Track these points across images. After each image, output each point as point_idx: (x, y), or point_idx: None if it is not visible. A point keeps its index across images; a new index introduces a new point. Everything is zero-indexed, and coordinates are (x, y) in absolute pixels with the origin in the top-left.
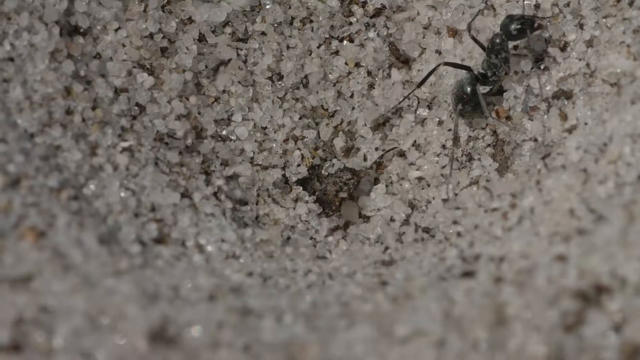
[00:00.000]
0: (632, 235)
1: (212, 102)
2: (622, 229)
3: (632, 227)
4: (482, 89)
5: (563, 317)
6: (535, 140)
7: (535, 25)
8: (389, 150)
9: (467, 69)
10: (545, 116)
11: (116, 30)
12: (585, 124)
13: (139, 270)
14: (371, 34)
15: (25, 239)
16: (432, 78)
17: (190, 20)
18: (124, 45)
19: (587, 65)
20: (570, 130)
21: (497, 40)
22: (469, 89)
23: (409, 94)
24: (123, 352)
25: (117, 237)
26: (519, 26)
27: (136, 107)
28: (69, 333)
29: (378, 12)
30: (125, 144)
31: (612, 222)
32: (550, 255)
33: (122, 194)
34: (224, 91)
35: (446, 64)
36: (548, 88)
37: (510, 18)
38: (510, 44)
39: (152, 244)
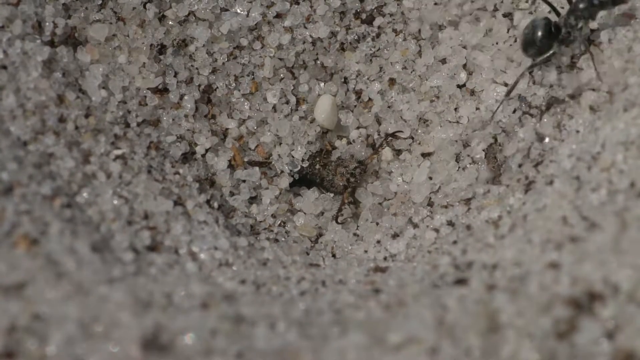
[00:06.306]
0: (625, 243)
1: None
2: (615, 236)
3: (624, 235)
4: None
5: (556, 324)
6: (528, 147)
7: None
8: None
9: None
10: (538, 124)
11: (114, 48)
12: (577, 131)
13: (132, 277)
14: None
15: (18, 247)
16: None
17: (189, 41)
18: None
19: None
20: (562, 138)
21: (581, 5)
22: (540, 35)
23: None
24: (116, 359)
25: (110, 244)
26: None
27: (129, 114)
28: (62, 341)
29: (370, 20)
30: (118, 152)
31: (605, 230)
32: (543, 263)
33: (115, 202)
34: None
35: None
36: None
37: None
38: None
39: (145, 251)
